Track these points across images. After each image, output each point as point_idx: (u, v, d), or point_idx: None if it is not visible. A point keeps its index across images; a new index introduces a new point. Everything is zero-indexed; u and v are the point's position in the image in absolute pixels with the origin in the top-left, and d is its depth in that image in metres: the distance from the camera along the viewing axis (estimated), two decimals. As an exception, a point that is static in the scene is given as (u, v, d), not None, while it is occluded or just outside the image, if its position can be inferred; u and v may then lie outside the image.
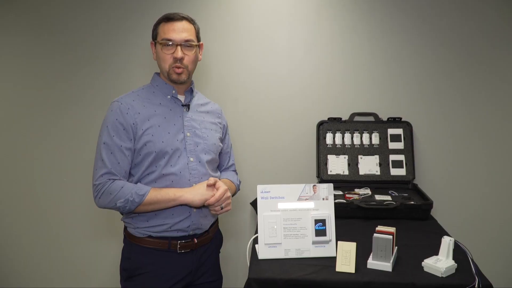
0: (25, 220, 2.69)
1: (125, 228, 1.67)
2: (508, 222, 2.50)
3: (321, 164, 2.42)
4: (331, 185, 1.67)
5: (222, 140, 1.80)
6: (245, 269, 1.61)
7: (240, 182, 1.92)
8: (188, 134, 1.63)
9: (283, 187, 1.64)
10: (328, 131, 2.46)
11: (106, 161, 1.52)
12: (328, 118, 2.48)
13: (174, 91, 1.64)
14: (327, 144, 2.45)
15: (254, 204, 2.41)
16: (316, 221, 1.62)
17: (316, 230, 1.62)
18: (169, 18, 1.59)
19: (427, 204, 2.06)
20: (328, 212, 1.64)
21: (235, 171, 1.93)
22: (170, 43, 1.58)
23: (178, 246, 1.61)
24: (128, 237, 1.65)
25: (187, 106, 1.67)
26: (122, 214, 1.66)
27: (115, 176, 1.53)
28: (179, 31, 1.58)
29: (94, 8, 2.52)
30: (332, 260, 1.55)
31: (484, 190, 2.50)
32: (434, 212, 2.13)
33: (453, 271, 1.49)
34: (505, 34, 2.40)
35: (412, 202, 2.08)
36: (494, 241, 2.51)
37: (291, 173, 2.55)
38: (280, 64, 2.51)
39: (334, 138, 2.45)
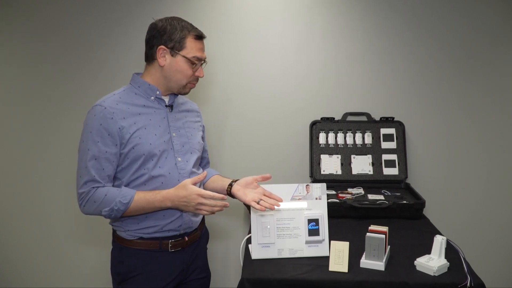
0: (17, 221, 2.67)
1: (114, 231, 1.64)
2: (501, 221, 2.52)
3: (314, 164, 2.42)
4: (324, 184, 1.67)
5: (203, 138, 1.79)
6: (238, 269, 1.61)
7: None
8: (174, 134, 1.62)
9: (276, 187, 1.64)
10: (321, 131, 2.46)
11: (90, 168, 1.48)
12: (321, 118, 2.49)
13: (158, 92, 1.61)
14: (320, 144, 2.45)
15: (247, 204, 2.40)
16: (309, 221, 1.63)
17: (309, 229, 1.62)
18: (199, 37, 1.58)
19: (420, 203, 2.07)
20: (321, 212, 1.64)
21: (209, 162, 1.93)
22: (199, 62, 1.58)
23: (170, 245, 1.60)
24: (118, 241, 1.62)
25: (170, 106, 1.65)
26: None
27: (99, 183, 1.49)
28: (204, 50, 1.61)
29: (90, 10, 2.49)
30: (325, 259, 1.55)
31: (476, 189, 2.52)
32: (427, 211, 2.14)
33: (446, 270, 1.50)
34: (498, 32, 2.42)
35: (405, 202, 2.08)
36: (486, 240, 2.53)
37: (284, 173, 2.54)
38: (273, 64, 2.51)
39: (327, 137, 2.46)
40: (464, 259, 1.56)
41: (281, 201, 1.58)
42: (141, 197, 1.51)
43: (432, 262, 1.49)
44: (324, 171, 2.41)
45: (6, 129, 2.61)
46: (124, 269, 1.60)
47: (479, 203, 2.53)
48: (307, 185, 1.65)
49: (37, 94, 2.57)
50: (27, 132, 2.60)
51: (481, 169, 2.51)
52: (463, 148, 2.50)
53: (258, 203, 1.54)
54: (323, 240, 1.62)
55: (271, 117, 2.54)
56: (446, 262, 1.51)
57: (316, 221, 1.63)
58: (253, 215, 1.64)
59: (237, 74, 2.52)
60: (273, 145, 2.55)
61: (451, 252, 1.60)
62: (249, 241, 1.68)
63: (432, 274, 1.47)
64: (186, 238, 1.64)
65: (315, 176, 2.40)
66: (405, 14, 2.44)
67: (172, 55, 1.56)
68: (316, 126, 2.48)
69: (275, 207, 1.54)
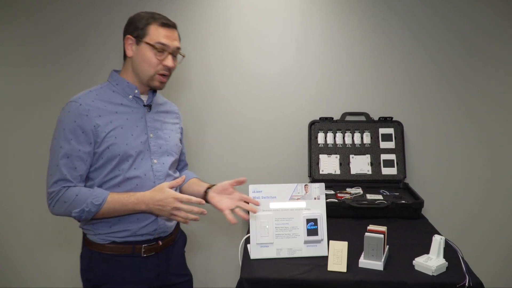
0: (17, 221, 2.67)
1: (84, 234, 1.57)
2: (499, 221, 2.53)
3: (313, 164, 2.43)
4: (323, 184, 1.67)
5: (181, 141, 1.75)
6: (237, 269, 1.61)
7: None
8: (151, 135, 1.56)
9: (274, 187, 1.64)
10: (319, 131, 2.47)
11: (62, 166, 1.42)
12: (320, 118, 2.49)
13: (137, 91, 1.55)
14: (318, 144, 2.45)
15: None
16: (308, 221, 1.63)
17: (307, 229, 1.62)
18: (165, 24, 1.52)
19: (418, 203, 2.07)
20: (319, 212, 1.64)
21: (187, 164, 1.88)
22: (163, 49, 1.50)
23: (143, 250, 1.53)
24: (88, 245, 1.54)
25: (149, 106, 1.59)
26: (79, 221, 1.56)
27: (70, 182, 1.43)
28: (173, 39, 1.53)
29: (90, 10, 2.50)
30: (324, 259, 1.55)
31: (475, 189, 2.52)
32: (425, 211, 2.14)
33: (444, 269, 1.50)
34: (498, 32, 2.42)
35: (403, 201, 2.09)
36: (484, 240, 2.53)
37: (282, 172, 2.55)
38: (271, 64, 2.51)
39: (325, 137, 2.46)
40: (463, 258, 1.56)
41: (259, 204, 1.58)
42: (115, 199, 1.45)
43: (431, 262, 1.50)
44: (322, 171, 2.41)
45: (6, 129, 2.61)
46: (95, 276, 1.53)
47: (477, 203, 2.53)
48: (305, 185, 1.66)
49: (37, 94, 2.57)
50: (27, 132, 2.61)
51: (480, 169, 2.51)
52: (461, 148, 2.51)
53: (233, 210, 1.52)
54: (322, 240, 1.63)
55: (270, 117, 2.54)
56: (445, 261, 1.51)
57: (314, 221, 1.63)
58: (252, 215, 1.64)
59: (235, 74, 2.52)
60: (272, 145, 2.56)
61: (449, 252, 1.60)
62: (247, 241, 1.68)
63: (430, 274, 1.47)
64: (160, 243, 1.58)
65: (314, 176, 2.41)
66: (405, 14, 2.44)
67: (137, 44, 1.51)
68: (315, 126, 2.48)
69: (251, 212, 1.55)
